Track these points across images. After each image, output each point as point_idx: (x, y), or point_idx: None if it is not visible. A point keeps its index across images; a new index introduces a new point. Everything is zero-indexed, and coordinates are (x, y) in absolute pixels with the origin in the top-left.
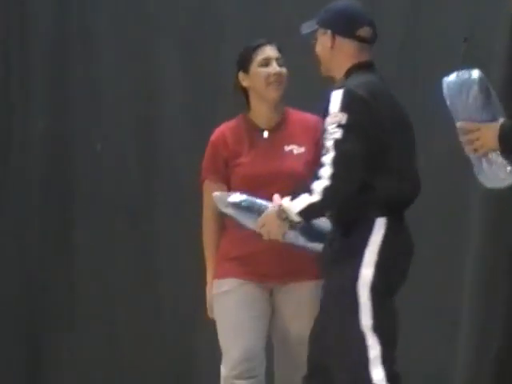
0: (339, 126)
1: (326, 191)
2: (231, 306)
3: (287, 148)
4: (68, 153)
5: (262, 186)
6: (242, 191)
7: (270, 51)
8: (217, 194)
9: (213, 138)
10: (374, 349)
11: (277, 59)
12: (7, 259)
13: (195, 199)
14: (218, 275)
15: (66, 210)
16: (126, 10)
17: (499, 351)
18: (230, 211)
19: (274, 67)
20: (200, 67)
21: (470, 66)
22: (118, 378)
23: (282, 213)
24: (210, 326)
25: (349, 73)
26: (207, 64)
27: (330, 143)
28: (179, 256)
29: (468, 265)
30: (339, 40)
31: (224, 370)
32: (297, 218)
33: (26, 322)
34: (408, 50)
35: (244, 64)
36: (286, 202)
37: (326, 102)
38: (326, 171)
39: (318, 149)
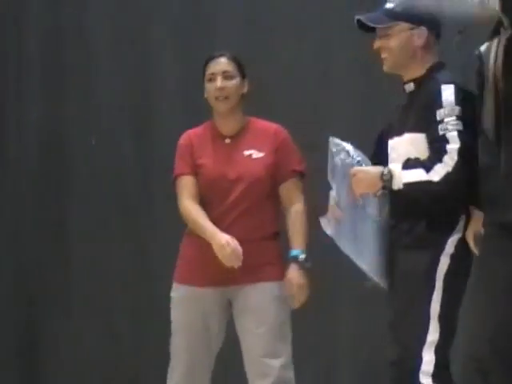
0: (458, 118)
1: (448, 177)
2: (184, 321)
3: (247, 153)
4: (62, 146)
5: (223, 189)
6: (204, 194)
7: (216, 66)
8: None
9: (180, 141)
10: (432, 335)
11: (224, 73)
12: (2, 250)
13: None
14: (177, 278)
15: (62, 201)
16: (120, 4)
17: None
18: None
19: (217, 82)
20: (194, 59)
21: (464, 57)
22: (117, 366)
23: (387, 174)
24: None
25: (433, 70)
26: (201, 56)
27: (453, 134)
28: (175, 246)
29: None
30: (430, 38)
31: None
32: (398, 187)
33: (23, 312)
34: None
35: (202, 78)
36: (397, 167)
37: (433, 94)
38: (451, 159)
39: (277, 154)
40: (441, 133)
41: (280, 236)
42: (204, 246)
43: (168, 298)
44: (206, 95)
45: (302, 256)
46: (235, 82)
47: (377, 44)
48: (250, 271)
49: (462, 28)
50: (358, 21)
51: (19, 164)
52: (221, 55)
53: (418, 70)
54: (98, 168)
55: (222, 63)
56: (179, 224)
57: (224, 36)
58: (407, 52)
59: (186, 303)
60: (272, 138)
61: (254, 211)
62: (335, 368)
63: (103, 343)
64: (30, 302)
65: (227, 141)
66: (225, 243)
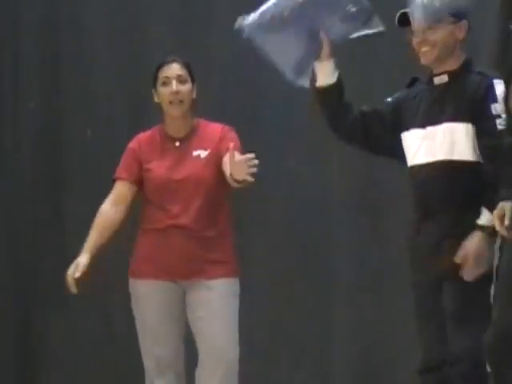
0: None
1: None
2: (147, 313)
3: (195, 153)
4: (58, 138)
5: (172, 191)
6: (154, 196)
7: (170, 70)
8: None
9: (130, 144)
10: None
11: (178, 77)
12: None
13: None
14: (133, 274)
15: (58, 195)
16: (118, 11)
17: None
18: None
19: (172, 87)
20: (192, 56)
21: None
22: (116, 366)
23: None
24: None
25: (468, 64)
26: (199, 55)
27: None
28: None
29: None
30: (467, 32)
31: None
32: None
33: (20, 313)
34: (399, 52)
35: (154, 82)
36: (486, 216)
37: (482, 87)
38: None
39: (219, 144)
40: (499, 127)
41: (233, 233)
42: (159, 241)
43: None
44: (157, 99)
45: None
46: (188, 86)
47: (419, 38)
48: (204, 268)
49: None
50: (401, 14)
51: (15, 157)
52: (173, 60)
53: (454, 63)
54: (92, 164)
55: (176, 68)
56: None
57: (221, 36)
58: (449, 45)
59: (146, 297)
60: (218, 135)
61: (206, 209)
62: (332, 369)
63: (102, 343)
64: (28, 302)
65: (177, 143)
66: (70, 270)
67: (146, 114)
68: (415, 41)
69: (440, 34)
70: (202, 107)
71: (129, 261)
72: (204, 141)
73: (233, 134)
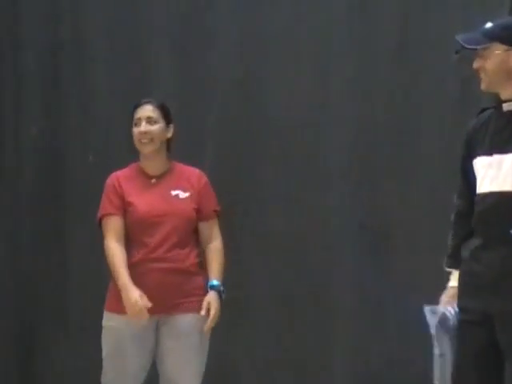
0: None
1: None
2: (115, 346)
3: (174, 192)
4: (60, 163)
5: (152, 225)
6: (133, 230)
7: (141, 111)
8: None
9: (108, 181)
10: None
11: (148, 118)
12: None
13: None
14: (109, 308)
15: (59, 213)
16: (119, 19)
17: None
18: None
19: (141, 127)
20: (193, 73)
21: (462, 76)
22: None
23: None
24: None
25: None
26: (200, 70)
27: None
28: None
29: None
30: None
31: None
32: None
33: (20, 324)
34: (398, 60)
35: (130, 123)
36: None
37: None
38: None
39: (199, 196)
40: None
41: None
42: (135, 275)
43: None
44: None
45: (221, 288)
46: (158, 126)
47: (475, 65)
48: (179, 302)
49: (459, 48)
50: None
51: (17, 177)
52: (147, 102)
53: (508, 90)
54: (94, 189)
55: (147, 110)
56: None
57: (222, 51)
58: (503, 73)
59: (119, 331)
60: (196, 181)
61: (182, 245)
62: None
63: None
64: (28, 312)
65: (153, 181)
66: (134, 301)
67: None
68: (474, 67)
69: (491, 62)
70: (200, 120)
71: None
72: (182, 182)
73: (209, 184)
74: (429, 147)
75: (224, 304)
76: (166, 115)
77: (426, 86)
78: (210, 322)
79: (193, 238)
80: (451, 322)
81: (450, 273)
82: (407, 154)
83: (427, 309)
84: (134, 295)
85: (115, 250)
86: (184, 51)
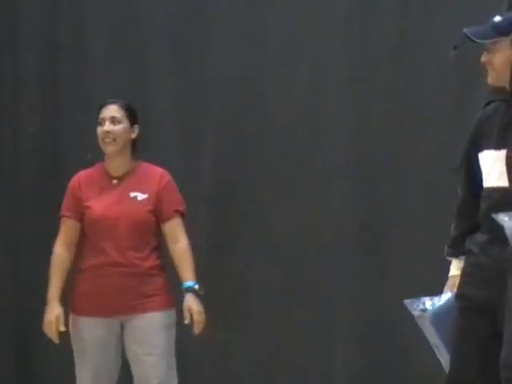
0: None
1: None
2: (86, 349)
3: (132, 194)
4: (58, 163)
5: (108, 227)
6: (90, 233)
7: (105, 111)
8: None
9: (70, 182)
10: None
11: (112, 118)
12: None
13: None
14: (72, 309)
15: (57, 214)
16: (118, 19)
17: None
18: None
19: (104, 126)
20: (192, 75)
21: (459, 73)
22: None
23: None
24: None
25: None
26: (199, 72)
27: None
28: (169, 260)
29: None
30: None
31: None
32: None
33: (17, 322)
34: (397, 61)
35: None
36: None
37: None
38: None
39: (160, 196)
40: None
41: (165, 267)
42: (95, 278)
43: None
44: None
45: (196, 286)
46: (122, 126)
47: (483, 58)
48: (139, 302)
49: (458, 43)
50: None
51: (16, 177)
52: (112, 102)
53: None
54: None
55: (111, 110)
56: None
57: (222, 51)
58: (510, 67)
59: (85, 333)
60: (157, 182)
61: (138, 248)
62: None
63: None
64: (27, 312)
65: (114, 182)
66: (49, 321)
67: (144, 137)
68: (482, 61)
69: (499, 57)
70: (200, 120)
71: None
72: (142, 183)
73: (171, 184)
74: (428, 147)
75: (223, 304)
76: (131, 116)
77: (425, 86)
78: (196, 329)
79: (151, 240)
80: (431, 313)
81: (450, 262)
82: (406, 154)
83: (407, 302)
84: (51, 316)
85: (56, 257)
86: (184, 51)
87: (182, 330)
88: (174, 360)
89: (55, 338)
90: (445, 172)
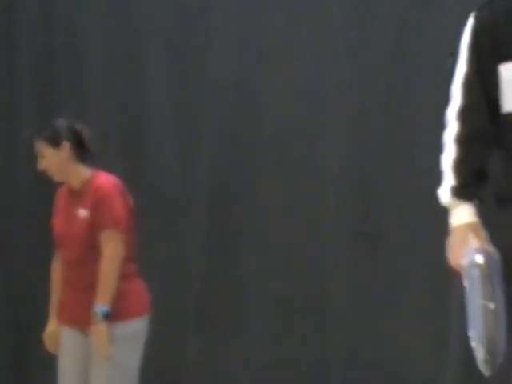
0: None
1: None
2: (60, 360)
3: (78, 211)
4: None
5: (62, 245)
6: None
7: (36, 148)
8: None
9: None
10: None
11: (40, 154)
12: None
13: (183, 210)
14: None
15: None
16: (115, 21)
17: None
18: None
19: (38, 164)
20: (187, 82)
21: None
22: None
23: None
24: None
25: None
26: (194, 79)
27: None
28: (167, 267)
29: None
30: None
31: None
32: None
33: (15, 322)
34: (396, 63)
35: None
36: None
37: None
38: None
39: (94, 210)
40: None
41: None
42: (64, 290)
43: (158, 322)
44: None
45: (98, 310)
46: (48, 158)
47: None
48: (88, 318)
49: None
50: None
51: (12, 179)
52: (38, 138)
53: None
54: None
55: (37, 146)
56: (170, 244)
57: (220, 53)
58: None
59: (61, 342)
60: (92, 195)
61: (82, 264)
62: None
63: None
64: (26, 313)
65: (72, 198)
66: (45, 334)
67: (142, 139)
68: None
69: None
70: (197, 123)
71: None
72: (87, 199)
73: (103, 197)
74: (426, 149)
75: (223, 306)
76: (52, 141)
77: (423, 88)
78: (101, 358)
79: (93, 255)
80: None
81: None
82: (406, 155)
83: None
84: (48, 330)
85: (52, 272)
86: (181, 53)
87: (179, 334)
88: (124, 374)
89: (54, 351)
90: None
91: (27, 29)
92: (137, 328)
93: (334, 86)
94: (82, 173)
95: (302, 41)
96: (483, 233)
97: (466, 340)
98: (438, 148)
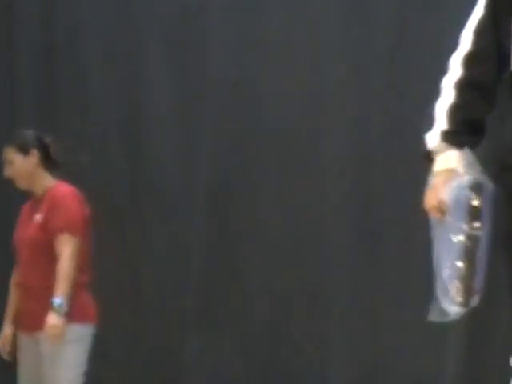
0: None
1: None
2: (18, 361)
3: (35, 216)
4: None
5: (18, 250)
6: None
7: (3, 155)
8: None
9: None
10: None
11: (7, 160)
12: None
13: (183, 209)
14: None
15: None
16: (114, 20)
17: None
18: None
19: (4, 171)
20: (186, 80)
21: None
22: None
23: None
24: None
25: None
26: (193, 78)
27: None
28: (166, 266)
29: None
30: None
31: None
32: None
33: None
34: (396, 62)
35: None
36: None
37: None
38: None
39: (47, 217)
40: None
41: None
42: (19, 296)
43: (158, 321)
44: None
45: (56, 302)
46: (15, 166)
47: None
48: (39, 318)
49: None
50: None
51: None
52: (6, 144)
53: None
54: (89, 183)
55: (4, 152)
56: (169, 243)
57: (220, 53)
58: None
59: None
60: (48, 201)
61: (34, 268)
62: None
63: (92, 362)
64: None
65: (34, 205)
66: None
67: (142, 138)
68: None
69: None
70: (197, 122)
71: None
72: (45, 205)
73: (58, 203)
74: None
75: (223, 306)
76: (21, 147)
77: (423, 87)
78: (50, 345)
79: (45, 259)
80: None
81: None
82: (406, 154)
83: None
84: (1, 334)
85: (12, 278)
86: (181, 52)
87: (179, 334)
88: (70, 375)
89: (5, 356)
90: None
91: (27, 29)
92: (78, 334)
93: (334, 86)
94: (46, 181)
95: (302, 41)
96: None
97: (465, 338)
98: None
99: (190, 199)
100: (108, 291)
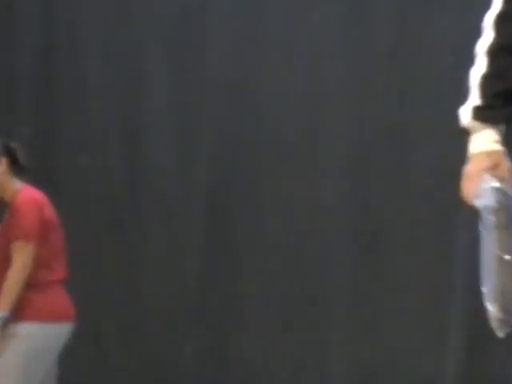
0: None
1: None
2: None
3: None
4: (52, 164)
5: None
6: None
7: None
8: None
9: None
10: None
11: None
12: None
13: (183, 209)
14: None
15: None
16: (113, 20)
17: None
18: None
19: None
20: (186, 80)
21: (457, 79)
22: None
23: None
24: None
25: None
26: (193, 77)
27: None
28: (165, 266)
29: (456, 267)
30: None
31: None
32: None
33: None
34: (396, 62)
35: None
36: None
37: None
38: None
39: (6, 224)
40: None
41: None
42: None
43: (157, 321)
44: None
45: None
46: None
47: None
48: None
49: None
50: None
51: None
52: None
53: None
54: (88, 190)
55: None
56: (169, 243)
57: (219, 53)
58: None
59: None
60: (11, 207)
61: (2, 272)
62: None
63: (92, 362)
64: None
65: (7, 211)
66: None
67: (142, 141)
68: None
69: None
70: (197, 121)
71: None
72: (8, 212)
73: (17, 210)
74: (426, 148)
75: (223, 306)
76: None
77: (423, 87)
78: None
79: (8, 265)
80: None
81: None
82: (405, 154)
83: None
84: None
85: None
86: (180, 52)
87: (179, 334)
88: (16, 376)
89: None
90: (443, 173)
91: (27, 29)
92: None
93: (334, 86)
94: (14, 187)
95: (302, 41)
96: (506, 164)
97: (466, 338)
98: (438, 148)
99: (190, 199)
100: (108, 291)
